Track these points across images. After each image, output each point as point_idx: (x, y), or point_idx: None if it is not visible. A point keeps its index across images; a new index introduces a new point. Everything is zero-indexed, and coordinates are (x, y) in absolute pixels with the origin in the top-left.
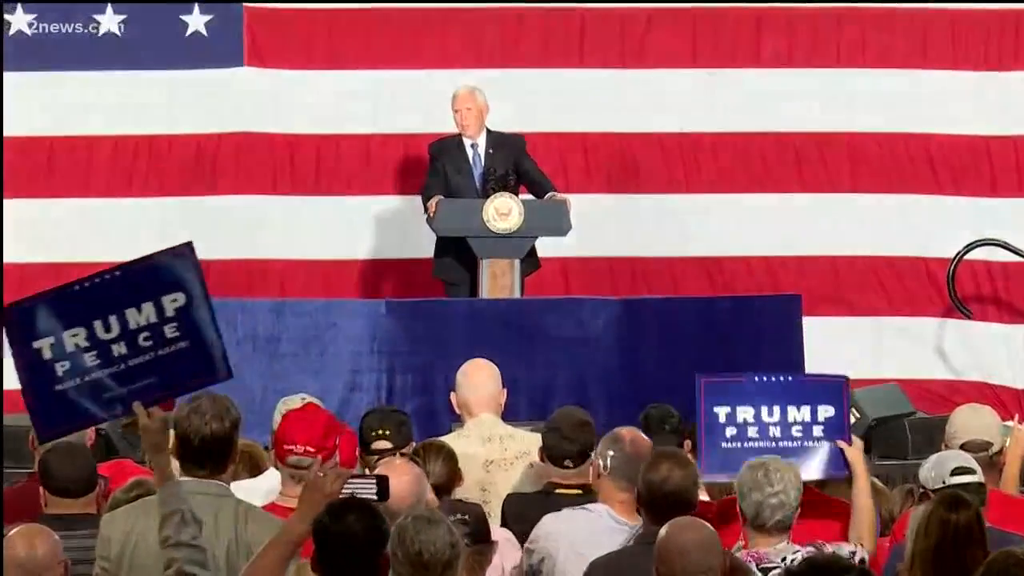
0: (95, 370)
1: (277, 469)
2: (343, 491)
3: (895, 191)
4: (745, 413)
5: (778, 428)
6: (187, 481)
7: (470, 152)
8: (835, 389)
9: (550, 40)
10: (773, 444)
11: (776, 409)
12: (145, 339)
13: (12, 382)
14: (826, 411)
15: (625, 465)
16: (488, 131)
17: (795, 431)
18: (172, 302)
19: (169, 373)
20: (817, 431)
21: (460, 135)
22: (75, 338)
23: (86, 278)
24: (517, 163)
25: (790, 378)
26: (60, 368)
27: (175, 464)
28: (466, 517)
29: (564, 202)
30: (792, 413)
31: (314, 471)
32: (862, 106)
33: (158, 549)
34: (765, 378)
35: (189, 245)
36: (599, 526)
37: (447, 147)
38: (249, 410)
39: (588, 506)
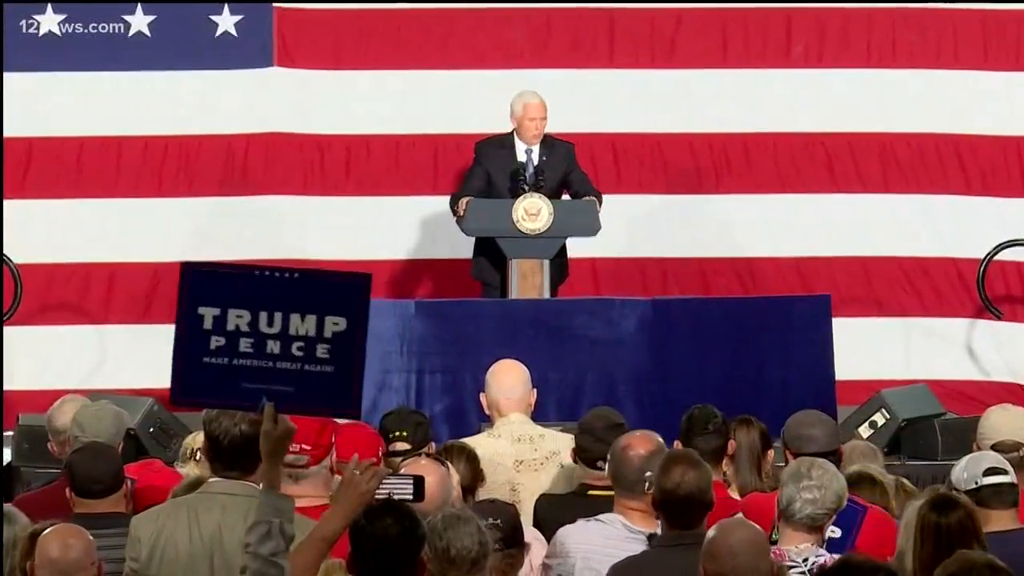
0: (245, 357)
1: None
2: (379, 490)
3: (925, 191)
4: None
5: None
6: (217, 482)
7: (523, 157)
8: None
9: (579, 40)
10: None
11: None
12: (298, 348)
13: (25, 383)
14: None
15: (614, 470)
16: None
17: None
18: (334, 324)
19: (307, 390)
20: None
21: (510, 136)
22: (239, 319)
23: (266, 267)
24: (567, 172)
25: None
26: (215, 342)
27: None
28: (498, 522)
29: (593, 202)
30: None
31: (350, 469)
32: (892, 106)
33: (187, 550)
34: None
35: (368, 277)
36: (613, 536)
37: (494, 148)
38: None
39: (601, 517)
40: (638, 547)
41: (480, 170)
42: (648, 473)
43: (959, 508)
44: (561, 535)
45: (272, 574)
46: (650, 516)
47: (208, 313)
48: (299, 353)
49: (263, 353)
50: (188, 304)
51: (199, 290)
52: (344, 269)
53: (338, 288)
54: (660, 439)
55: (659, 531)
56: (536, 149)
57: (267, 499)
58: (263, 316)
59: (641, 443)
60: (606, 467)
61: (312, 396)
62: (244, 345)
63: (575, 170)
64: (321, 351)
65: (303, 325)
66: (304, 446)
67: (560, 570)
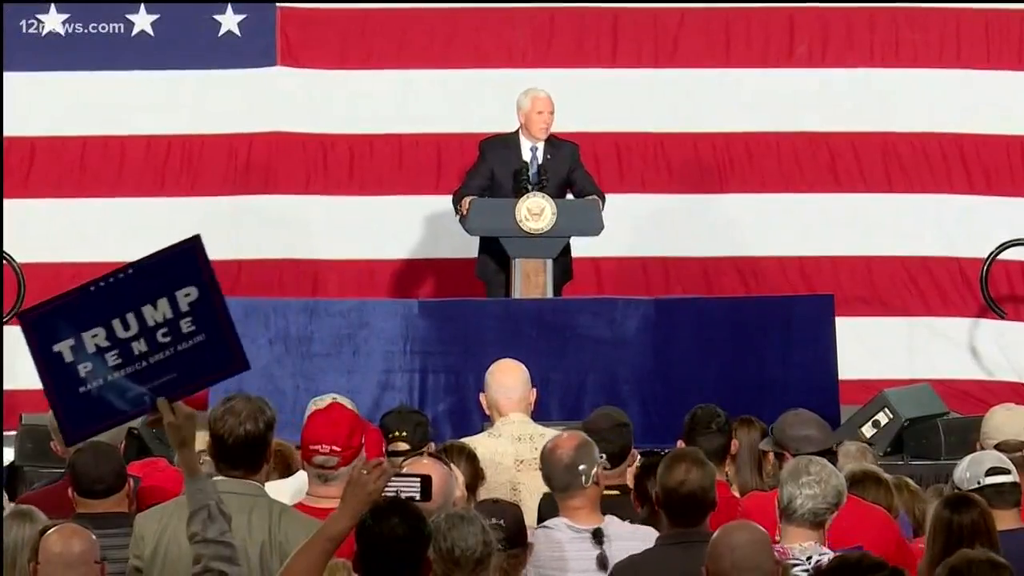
0: (117, 369)
1: (304, 470)
2: (386, 489)
3: (928, 191)
4: None
5: None
6: (221, 481)
7: (528, 154)
8: None
9: (583, 40)
10: None
11: None
12: (163, 335)
13: (28, 382)
14: None
15: (545, 472)
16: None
17: None
18: (185, 296)
19: (189, 367)
20: None
21: (515, 134)
22: (95, 339)
23: (100, 278)
24: (571, 171)
25: None
26: (83, 369)
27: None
28: (501, 522)
29: (596, 201)
30: None
31: (357, 469)
32: (895, 106)
33: (190, 548)
34: None
35: (196, 239)
36: (558, 540)
37: (499, 146)
38: (281, 410)
39: (547, 522)
40: (585, 546)
41: (484, 168)
42: (582, 466)
43: (974, 507)
44: None
45: (226, 554)
46: (594, 511)
47: (64, 347)
48: (166, 339)
49: (132, 357)
50: (40, 349)
51: (44, 331)
52: (170, 244)
53: (172, 262)
54: (584, 435)
55: (604, 526)
56: (541, 147)
57: (195, 485)
58: (117, 324)
59: (565, 441)
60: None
61: (197, 370)
62: (111, 359)
63: (579, 169)
64: (186, 326)
65: (158, 312)
66: (334, 448)
67: None
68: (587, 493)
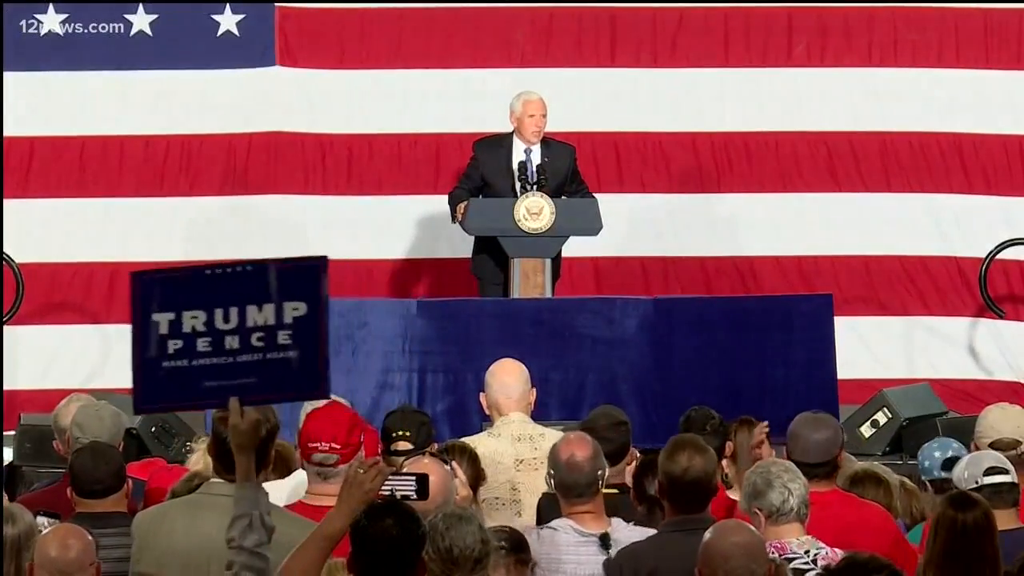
0: (204, 356)
1: (303, 468)
2: (383, 488)
3: (927, 190)
4: None
5: None
6: (217, 483)
7: (521, 157)
8: None
9: (582, 39)
10: None
11: None
12: (258, 339)
13: (27, 382)
14: None
15: (565, 481)
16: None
17: None
18: (293, 310)
19: (271, 378)
20: None
21: (509, 136)
22: (194, 320)
23: (217, 264)
24: (568, 174)
25: None
26: (172, 346)
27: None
28: (507, 528)
29: (594, 201)
30: None
31: (354, 468)
32: (894, 105)
33: (185, 549)
34: None
35: (324, 259)
36: (564, 542)
37: (492, 147)
38: (279, 410)
39: (552, 523)
40: (591, 550)
41: (474, 170)
42: (599, 472)
43: (978, 507)
44: None
45: (258, 566)
46: (601, 515)
47: (163, 319)
48: (259, 343)
49: (222, 350)
50: (141, 312)
51: (150, 297)
52: (298, 256)
53: (293, 274)
54: (591, 438)
55: (610, 531)
56: (536, 149)
57: (244, 492)
58: (219, 313)
59: (581, 447)
60: (549, 480)
61: (277, 383)
62: (202, 345)
63: (576, 175)
64: (282, 337)
65: (260, 315)
66: (334, 445)
67: None
68: (598, 498)
